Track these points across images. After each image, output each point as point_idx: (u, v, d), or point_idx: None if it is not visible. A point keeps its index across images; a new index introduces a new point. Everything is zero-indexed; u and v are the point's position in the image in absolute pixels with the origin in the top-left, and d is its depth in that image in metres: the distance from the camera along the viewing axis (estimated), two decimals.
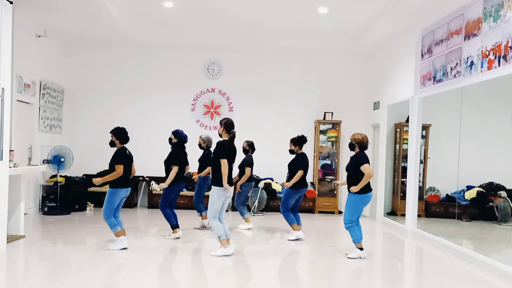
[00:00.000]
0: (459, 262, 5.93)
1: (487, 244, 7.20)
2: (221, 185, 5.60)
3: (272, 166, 9.65)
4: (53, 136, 9.64)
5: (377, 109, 9.85)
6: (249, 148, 7.85)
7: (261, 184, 9.77)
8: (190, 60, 10.52)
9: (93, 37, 9.83)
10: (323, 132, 10.41)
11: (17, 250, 5.86)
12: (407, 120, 8.30)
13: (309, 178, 10.39)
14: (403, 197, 8.35)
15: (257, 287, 4.78)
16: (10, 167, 5.93)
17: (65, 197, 9.06)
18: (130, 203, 9.85)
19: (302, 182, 6.90)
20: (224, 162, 5.58)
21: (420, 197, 7.91)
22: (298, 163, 6.91)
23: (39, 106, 9.02)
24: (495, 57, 5.62)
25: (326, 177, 10.31)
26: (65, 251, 6.03)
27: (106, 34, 9.57)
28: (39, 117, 9.04)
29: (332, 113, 10.33)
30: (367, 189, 5.80)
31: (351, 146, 5.99)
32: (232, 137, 5.80)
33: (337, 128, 10.31)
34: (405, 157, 8.47)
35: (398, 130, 9.09)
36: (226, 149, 5.67)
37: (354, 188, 5.75)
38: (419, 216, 7.81)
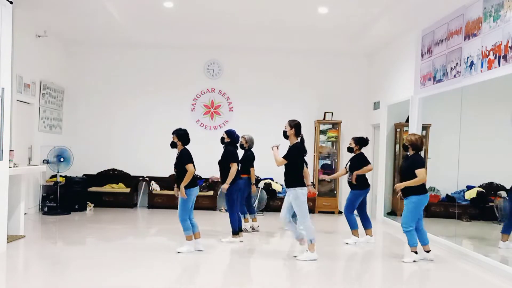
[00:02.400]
0: (459, 262, 5.93)
1: (487, 244, 7.19)
2: (303, 185, 5.68)
3: (272, 166, 9.62)
4: (53, 136, 9.64)
5: (377, 109, 9.85)
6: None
7: (261, 184, 9.78)
8: (190, 60, 10.51)
9: (93, 37, 9.82)
10: (323, 132, 10.42)
11: (17, 250, 5.86)
12: (407, 120, 8.29)
13: (311, 178, 10.40)
14: None
15: (256, 287, 4.79)
16: (10, 167, 5.92)
17: (65, 197, 9.05)
18: (130, 203, 9.86)
19: (365, 182, 6.86)
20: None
21: None
22: (359, 165, 6.85)
23: (39, 106, 9.02)
24: (495, 57, 5.62)
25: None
26: (65, 251, 6.04)
27: (106, 34, 9.57)
28: (39, 117, 9.04)
29: (332, 113, 10.33)
30: (425, 189, 5.77)
31: (405, 148, 5.94)
32: (302, 140, 5.86)
33: (337, 128, 10.32)
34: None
35: (398, 130, 9.09)
36: (300, 151, 5.78)
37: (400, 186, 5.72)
38: None
